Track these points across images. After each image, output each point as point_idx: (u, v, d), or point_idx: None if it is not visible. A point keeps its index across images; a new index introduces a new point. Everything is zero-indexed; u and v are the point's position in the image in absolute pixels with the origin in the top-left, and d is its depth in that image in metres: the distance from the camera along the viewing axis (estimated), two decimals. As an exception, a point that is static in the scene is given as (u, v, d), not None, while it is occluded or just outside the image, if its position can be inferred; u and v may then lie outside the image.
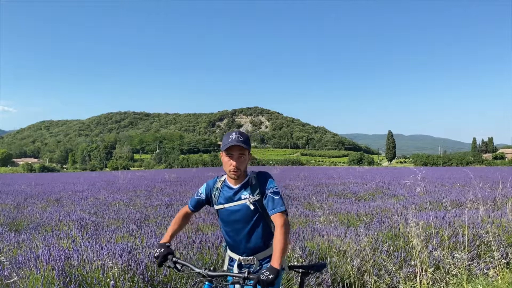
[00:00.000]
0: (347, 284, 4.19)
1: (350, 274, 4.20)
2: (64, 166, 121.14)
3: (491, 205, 7.35)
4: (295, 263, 4.01)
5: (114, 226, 6.87)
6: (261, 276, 1.94)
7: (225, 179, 2.45)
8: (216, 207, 2.45)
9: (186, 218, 2.56)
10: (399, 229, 5.43)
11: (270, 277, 1.93)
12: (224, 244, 2.59)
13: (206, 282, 2.22)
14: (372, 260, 4.37)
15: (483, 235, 4.99)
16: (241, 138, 2.27)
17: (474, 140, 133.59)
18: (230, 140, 2.26)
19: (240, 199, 2.36)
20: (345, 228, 5.90)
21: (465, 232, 5.05)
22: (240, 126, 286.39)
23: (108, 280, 3.43)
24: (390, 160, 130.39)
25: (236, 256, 2.44)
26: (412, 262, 4.43)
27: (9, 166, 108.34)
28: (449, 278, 4.37)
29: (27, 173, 71.93)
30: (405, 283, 4.23)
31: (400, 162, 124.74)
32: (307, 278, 2.61)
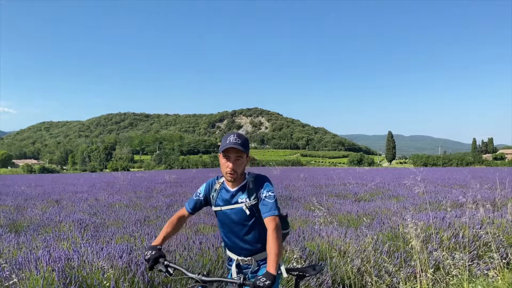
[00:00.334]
0: (347, 285, 4.19)
1: (350, 274, 4.20)
2: (64, 167, 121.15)
3: (491, 205, 7.35)
4: (294, 264, 4.01)
5: (114, 227, 6.87)
6: (258, 282, 1.90)
7: (223, 181, 2.44)
8: (214, 208, 2.45)
9: (182, 221, 2.51)
10: (399, 229, 5.43)
11: (266, 283, 1.90)
12: (223, 243, 2.59)
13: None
14: (372, 261, 4.37)
15: (483, 236, 5.00)
16: (239, 141, 2.24)
17: (474, 141, 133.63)
18: (227, 142, 2.24)
19: (237, 202, 2.35)
20: (345, 229, 5.90)
21: (465, 232, 5.05)
22: (240, 127, 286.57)
23: (108, 281, 3.43)
24: (390, 161, 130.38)
25: (234, 256, 2.45)
26: (412, 263, 4.43)
27: (9, 167, 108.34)
28: (449, 278, 4.37)
29: (27, 174, 71.92)
30: (405, 284, 4.23)
31: (400, 163, 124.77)
32: (302, 281, 2.55)
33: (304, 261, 4.27)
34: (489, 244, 4.87)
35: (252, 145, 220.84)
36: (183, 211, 2.53)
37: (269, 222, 2.20)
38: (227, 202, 2.38)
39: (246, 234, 2.37)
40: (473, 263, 4.78)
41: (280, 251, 2.11)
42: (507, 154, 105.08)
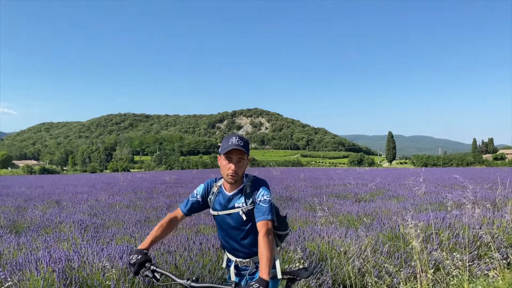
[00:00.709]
0: (348, 285, 4.19)
1: (351, 275, 4.20)
2: (64, 168, 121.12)
3: (491, 206, 7.35)
4: (297, 264, 4.01)
5: (114, 228, 6.87)
6: None
7: (221, 184, 2.41)
8: (211, 212, 2.42)
9: (174, 223, 2.41)
10: (399, 230, 5.43)
11: None
12: (220, 245, 2.58)
13: None
14: (372, 261, 4.37)
15: (483, 236, 4.99)
16: (241, 143, 2.22)
17: (474, 141, 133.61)
18: (230, 143, 2.21)
19: (233, 207, 2.32)
20: (346, 229, 5.90)
21: (465, 233, 5.05)
22: (240, 127, 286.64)
23: (109, 282, 3.43)
24: (390, 161, 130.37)
25: (233, 258, 2.45)
26: (413, 263, 4.43)
27: (9, 168, 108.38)
28: (449, 279, 4.37)
29: (27, 175, 71.97)
30: (406, 284, 4.23)
31: (401, 163, 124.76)
32: (294, 284, 2.49)
33: (305, 261, 4.27)
34: (489, 244, 4.87)
35: (252, 145, 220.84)
36: (177, 212, 2.44)
37: (261, 227, 2.17)
38: (224, 207, 2.35)
39: (243, 238, 2.36)
40: (474, 263, 4.78)
41: (272, 257, 2.07)
42: (507, 154, 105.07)
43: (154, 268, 2.09)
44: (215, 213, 2.39)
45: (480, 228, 5.27)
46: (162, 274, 2.06)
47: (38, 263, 3.67)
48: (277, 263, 2.34)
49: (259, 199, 2.26)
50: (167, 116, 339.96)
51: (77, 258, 3.82)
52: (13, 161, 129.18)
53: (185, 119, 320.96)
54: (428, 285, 4.07)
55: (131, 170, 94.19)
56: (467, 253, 4.66)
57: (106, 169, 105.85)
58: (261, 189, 2.30)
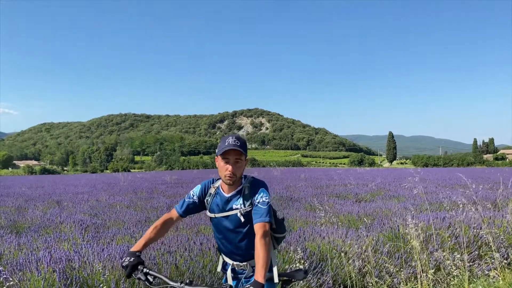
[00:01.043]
0: (349, 285, 4.19)
1: (352, 275, 4.20)
2: (65, 168, 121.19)
3: (492, 206, 7.34)
4: (297, 264, 4.01)
5: (115, 228, 6.88)
6: None
7: (219, 185, 2.36)
8: (208, 214, 2.38)
9: (168, 224, 2.36)
10: (399, 230, 5.43)
11: None
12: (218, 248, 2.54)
13: None
14: (373, 262, 4.37)
15: (484, 236, 4.99)
16: (238, 143, 2.17)
17: (475, 141, 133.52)
18: (226, 144, 2.16)
19: (231, 209, 2.28)
20: (346, 229, 5.90)
21: (465, 233, 5.04)
22: (240, 127, 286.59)
23: (109, 282, 3.44)
24: (391, 161, 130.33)
25: (230, 261, 2.40)
26: (413, 263, 4.42)
27: (10, 169, 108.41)
28: (450, 279, 4.36)
29: (28, 175, 72.01)
30: (406, 284, 4.22)
31: (401, 163, 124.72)
32: (289, 286, 2.46)
33: (305, 261, 4.27)
34: (490, 244, 4.87)
35: (253, 145, 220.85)
36: (173, 213, 2.39)
37: (258, 229, 2.12)
38: (222, 209, 2.30)
39: (240, 241, 2.31)
40: (474, 263, 4.78)
41: (268, 259, 2.02)
42: (508, 154, 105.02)
43: (147, 270, 2.07)
44: (212, 215, 2.34)
45: (481, 228, 5.26)
46: (155, 277, 2.04)
47: (39, 263, 3.67)
48: (274, 269, 2.28)
49: (257, 200, 2.22)
50: (168, 116, 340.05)
51: (77, 258, 3.82)
52: (14, 161, 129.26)
53: (185, 119, 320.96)
54: (428, 285, 4.07)
55: (131, 170, 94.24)
56: (468, 253, 4.65)
57: (107, 169, 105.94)
58: (259, 191, 2.25)
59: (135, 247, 2.20)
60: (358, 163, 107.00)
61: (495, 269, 4.58)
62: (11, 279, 3.34)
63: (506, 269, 4.61)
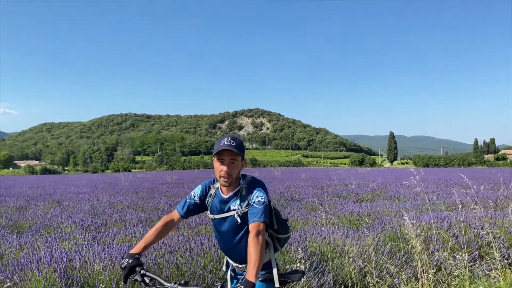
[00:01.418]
0: (349, 285, 4.19)
1: (352, 275, 4.20)
2: (66, 168, 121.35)
3: (493, 206, 7.33)
4: (298, 264, 4.01)
5: (115, 228, 6.88)
6: None
7: (218, 186, 2.33)
8: (208, 215, 2.37)
9: (170, 226, 2.35)
10: (400, 230, 5.42)
11: None
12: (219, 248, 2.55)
13: None
14: (374, 262, 4.37)
15: (485, 236, 4.98)
16: (233, 143, 2.14)
17: (476, 141, 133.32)
18: (221, 144, 2.13)
19: (229, 210, 2.26)
20: (347, 229, 5.90)
21: (466, 233, 5.04)
22: (241, 127, 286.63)
23: (110, 282, 3.44)
24: (391, 161, 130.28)
25: (231, 261, 2.40)
26: (414, 264, 4.42)
27: (11, 169, 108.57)
28: (451, 279, 4.36)
29: (28, 175, 72.10)
30: (407, 285, 4.22)
31: (402, 163, 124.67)
32: (284, 286, 2.45)
33: (306, 261, 4.27)
34: (491, 244, 4.86)
35: (254, 145, 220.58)
36: (174, 214, 2.37)
37: (252, 228, 2.09)
38: (220, 210, 2.29)
39: (238, 242, 2.30)
40: (475, 263, 4.77)
41: (261, 260, 1.98)
42: (508, 154, 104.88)
43: (144, 272, 2.10)
44: (212, 216, 2.34)
45: (482, 228, 5.26)
46: (151, 278, 2.07)
47: (40, 263, 3.68)
48: (274, 270, 2.27)
49: (253, 200, 2.18)
50: (168, 116, 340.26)
51: (78, 258, 3.83)
52: (15, 161, 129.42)
53: (186, 119, 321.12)
54: (429, 285, 4.07)
55: (132, 170, 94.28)
56: (469, 253, 4.65)
57: (108, 169, 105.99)
58: (255, 191, 2.22)
59: (135, 249, 2.20)
60: (359, 163, 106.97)
61: (496, 269, 4.57)
62: (11, 278, 3.34)
63: (507, 269, 4.61)
